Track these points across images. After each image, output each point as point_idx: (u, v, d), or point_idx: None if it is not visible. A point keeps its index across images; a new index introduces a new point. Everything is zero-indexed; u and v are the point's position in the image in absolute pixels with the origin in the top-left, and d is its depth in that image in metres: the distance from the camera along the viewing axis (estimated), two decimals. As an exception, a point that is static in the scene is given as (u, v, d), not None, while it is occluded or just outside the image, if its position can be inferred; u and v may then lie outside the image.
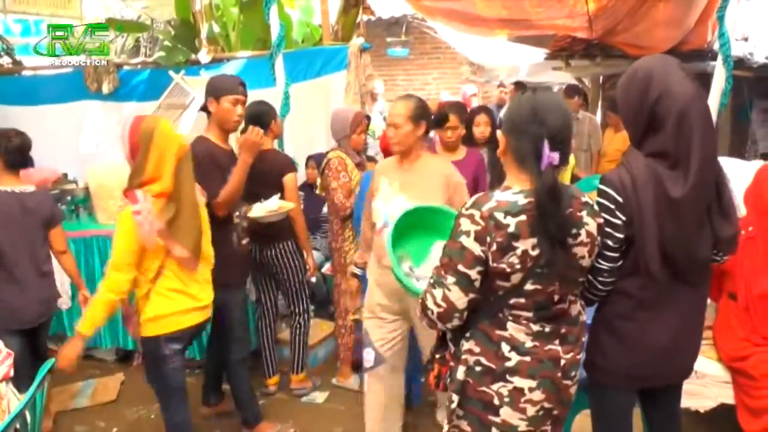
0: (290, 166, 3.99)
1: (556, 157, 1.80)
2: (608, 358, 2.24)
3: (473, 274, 1.88)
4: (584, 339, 2.07)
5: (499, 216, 1.82)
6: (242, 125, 3.72)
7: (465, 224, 1.88)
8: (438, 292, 1.94)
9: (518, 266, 1.84)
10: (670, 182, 2.03)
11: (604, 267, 2.11)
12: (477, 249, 1.85)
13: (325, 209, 5.22)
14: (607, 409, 2.37)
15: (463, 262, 1.88)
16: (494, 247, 1.83)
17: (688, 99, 2.02)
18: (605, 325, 2.24)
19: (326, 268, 5.26)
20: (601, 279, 2.15)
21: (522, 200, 1.84)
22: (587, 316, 2.38)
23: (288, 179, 3.91)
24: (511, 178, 1.96)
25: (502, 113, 6.91)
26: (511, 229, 1.81)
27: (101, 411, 4.13)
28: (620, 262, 2.13)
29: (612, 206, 2.08)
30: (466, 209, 1.90)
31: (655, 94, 2.04)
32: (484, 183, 4.10)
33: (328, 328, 4.73)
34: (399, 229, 2.49)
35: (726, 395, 3.00)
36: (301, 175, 5.03)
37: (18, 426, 2.36)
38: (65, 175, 5.17)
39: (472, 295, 1.92)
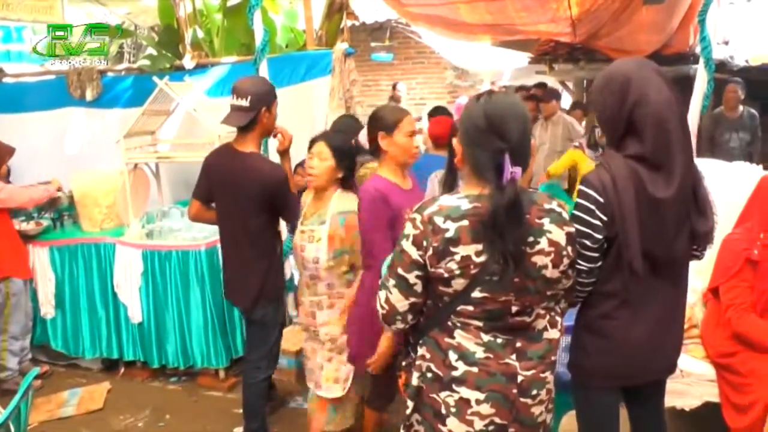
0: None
1: (518, 171, 1.76)
2: (591, 357, 2.25)
3: (411, 278, 1.88)
4: (553, 357, 1.96)
5: (438, 220, 1.80)
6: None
7: (407, 228, 1.87)
8: (382, 294, 1.97)
9: (458, 272, 1.80)
10: (652, 183, 2.05)
11: (584, 268, 2.11)
12: (414, 253, 1.85)
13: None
14: (592, 410, 2.37)
15: (402, 265, 1.89)
16: (430, 252, 1.81)
17: (664, 106, 2.05)
18: (587, 326, 2.25)
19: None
20: (580, 280, 2.15)
21: (466, 205, 1.80)
22: (568, 317, 2.41)
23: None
24: (466, 184, 1.91)
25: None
26: (449, 234, 1.78)
27: (88, 420, 4.09)
28: (599, 263, 2.14)
29: (592, 207, 2.08)
30: (411, 213, 1.89)
31: (633, 100, 2.06)
32: None
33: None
34: None
35: (711, 393, 3.02)
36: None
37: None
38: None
39: (413, 299, 1.92)
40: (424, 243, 1.82)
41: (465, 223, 1.78)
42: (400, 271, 1.90)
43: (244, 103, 3.22)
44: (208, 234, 4.35)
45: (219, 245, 4.17)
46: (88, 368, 4.82)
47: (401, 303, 1.93)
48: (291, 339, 4.58)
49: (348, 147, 3.16)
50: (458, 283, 1.82)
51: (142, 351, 4.60)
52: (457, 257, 1.79)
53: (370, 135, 2.97)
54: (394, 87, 9.57)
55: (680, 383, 3.00)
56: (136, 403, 4.28)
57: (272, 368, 3.62)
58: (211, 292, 4.29)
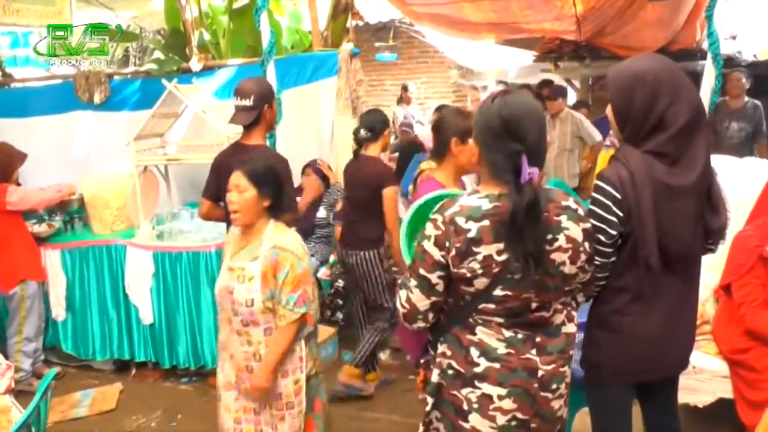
0: (391, 179, 4.04)
1: (536, 172, 1.77)
2: (604, 353, 2.25)
3: (433, 278, 1.89)
4: (571, 352, 1.99)
5: (460, 221, 1.81)
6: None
7: (429, 228, 1.88)
8: (403, 294, 1.98)
9: (480, 271, 1.82)
10: (670, 176, 2.06)
11: (597, 262, 2.11)
12: (437, 254, 1.86)
13: (320, 214, 5.28)
14: (605, 406, 2.38)
15: (424, 265, 1.90)
16: (453, 252, 1.82)
17: (695, 104, 2.07)
18: (600, 322, 2.26)
19: (322, 273, 5.27)
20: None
21: (486, 205, 1.82)
22: (581, 314, 2.41)
23: (387, 192, 3.96)
24: (485, 184, 1.92)
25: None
26: (471, 234, 1.79)
27: (101, 420, 4.13)
28: (613, 258, 2.14)
29: (609, 202, 2.09)
30: (433, 213, 1.90)
31: (667, 100, 2.05)
32: None
33: (324, 332, 4.72)
34: (415, 221, 2.39)
35: (724, 390, 3.03)
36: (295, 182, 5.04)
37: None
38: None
39: (434, 299, 1.93)
40: (447, 244, 1.83)
41: (486, 223, 1.80)
42: (422, 271, 1.91)
43: (248, 102, 3.41)
44: (217, 235, 4.36)
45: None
46: (99, 369, 4.84)
47: (422, 302, 1.94)
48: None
49: (270, 170, 2.75)
50: (480, 282, 1.84)
51: (153, 352, 4.63)
52: (480, 257, 1.80)
53: (440, 137, 2.99)
54: (405, 88, 9.51)
55: (693, 379, 3.00)
56: (147, 403, 4.30)
57: None
58: (222, 292, 4.30)
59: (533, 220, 1.77)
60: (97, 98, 5.39)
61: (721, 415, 3.11)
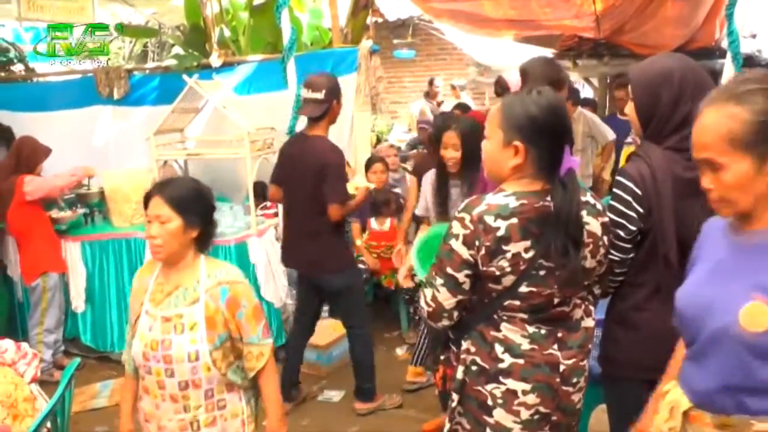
0: None
1: (578, 161, 1.83)
2: (622, 349, 2.25)
3: (461, 277, 1.90)
4: (590, 346, 2.04)
5: (489, 219, 1.82)
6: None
7: (456, 227, 1.88)
8: (428, 292, 1.97)
9: (509, 269, 1.83)
10: (690, 171, 2.06)
11: (616, 258, 2.13)
12: (465, 253, 1.87)
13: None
14: (623, 402, 2.37)
15: (451, 264, 1.90)
16: (483, 251, 1.83)
17: None
18: (619, 318, 2.26)
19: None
20: (612, 270, 2.17)
21: (513, 202, 1.83)
22: (599, 310, 2.42)
23: None
24: (516, 181, 1.91)
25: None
26: (500, 233, 1.81)
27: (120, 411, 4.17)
28: (631, 254, 2.15)
29: (629, 198, 2.09)
30: (459, 212, 1.90)
31: (698, 98, 2.06)
32: None
33: (341, 329, 4.75)
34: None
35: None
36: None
37: (49, 425, 2.41)
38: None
39: (460, 297, 1.93)
40: (476, 242, 1.84)
41: (514, 221, 1.81)
42: (449, 270, 1.91)
43: (319, 96, 3.56)
44: (236, 230, 4.41)
45: (248, 240, 4.26)
46: (118, 361, 4.87)
47: (449, 301, 1.94)
48: (320, 333, 4.61)
49: (196, 193, 2.25)
50: (508, 280, 1.86)
51: (171, 345, 4.66)
52: (509, 255, 1.82)
53: (529, 84, 3.01)
54: (430, 83, 9.45)
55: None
56: (166, 395, 4.33)
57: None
58: (240, 286, 4.34)
59: (577, 210, 1.83)
60: (117, 93, 5.45)
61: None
